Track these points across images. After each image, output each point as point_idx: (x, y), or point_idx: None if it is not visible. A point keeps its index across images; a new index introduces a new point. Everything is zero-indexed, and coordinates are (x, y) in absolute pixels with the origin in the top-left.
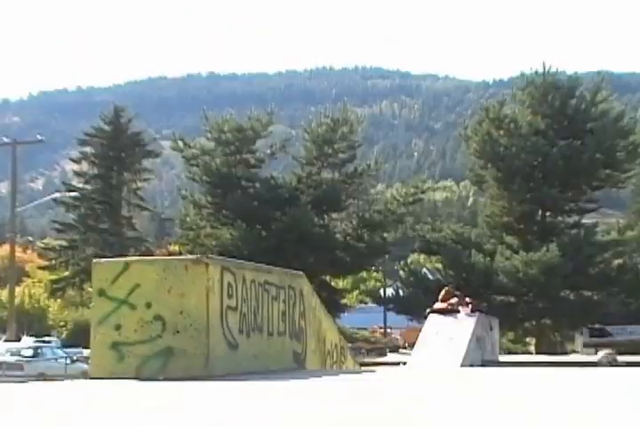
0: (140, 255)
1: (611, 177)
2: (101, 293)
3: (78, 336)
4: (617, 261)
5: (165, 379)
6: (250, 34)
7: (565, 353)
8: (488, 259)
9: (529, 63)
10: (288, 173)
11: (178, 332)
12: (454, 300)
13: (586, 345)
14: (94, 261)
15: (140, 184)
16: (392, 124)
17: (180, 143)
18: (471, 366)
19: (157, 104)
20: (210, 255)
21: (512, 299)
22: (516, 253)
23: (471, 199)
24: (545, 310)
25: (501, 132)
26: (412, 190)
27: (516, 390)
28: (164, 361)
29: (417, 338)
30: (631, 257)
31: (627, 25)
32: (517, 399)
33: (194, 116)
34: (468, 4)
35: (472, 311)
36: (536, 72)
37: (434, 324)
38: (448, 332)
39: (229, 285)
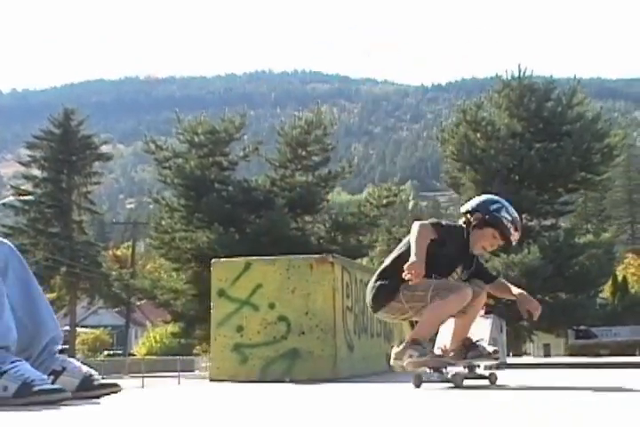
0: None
1: (586, 180)
2: (221, 293)
3: None
4: (591, 263)
5: (292, 381)
6: (188, 37)
7: (548, 355)
8: None
9: (467, 68)
10: (261, 175)
11: (303, 333)
12: None
13: (571, 347)
14: (213, 260)
15: (90, 188)
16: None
17: (152, 145)
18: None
19: (95, 107)
20: (334, 255)
21: (491, 301)
22: (495, 255)
23: (411, 203)
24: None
25: (478, 134)
26: (385, 193)
27: None
28: (289, 363)
29: None
30: (605, 259)
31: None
32: None
33: (131, 120)
34: (406, 9)
35: (486, 313)
36: (512, 75)
37: (450, 326)
38: None
39: (347, 285)
